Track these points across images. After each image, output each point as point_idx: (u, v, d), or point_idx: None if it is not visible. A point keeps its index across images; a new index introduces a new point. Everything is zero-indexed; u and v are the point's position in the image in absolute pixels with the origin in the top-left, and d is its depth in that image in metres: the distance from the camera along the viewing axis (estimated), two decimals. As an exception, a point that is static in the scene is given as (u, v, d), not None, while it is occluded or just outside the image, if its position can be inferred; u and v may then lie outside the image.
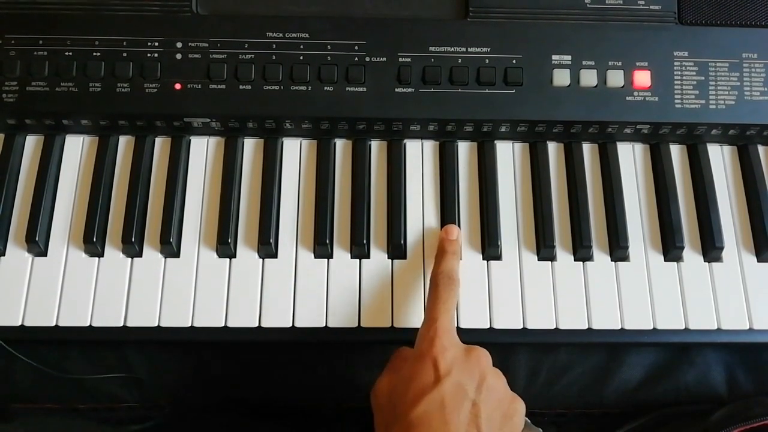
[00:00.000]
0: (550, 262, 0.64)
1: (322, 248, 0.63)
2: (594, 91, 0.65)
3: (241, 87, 0.64)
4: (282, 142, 0.67)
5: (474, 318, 0.61)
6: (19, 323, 0.60)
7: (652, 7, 0.66)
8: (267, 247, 0.63)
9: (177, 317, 0.61)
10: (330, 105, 0.64)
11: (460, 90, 0.64)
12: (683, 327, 0.62)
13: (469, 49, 0.65)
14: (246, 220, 0.64)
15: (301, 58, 0.64)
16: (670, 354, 0.67)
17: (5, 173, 0.64)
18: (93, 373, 0.64)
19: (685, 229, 0.65)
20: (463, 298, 0.62)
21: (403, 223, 0.64)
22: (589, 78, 0.65)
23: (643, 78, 0.65)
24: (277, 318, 0.61)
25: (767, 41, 0.66)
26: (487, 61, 0.65)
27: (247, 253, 0.63)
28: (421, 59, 0.65)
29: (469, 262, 0.63)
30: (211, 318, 0.61)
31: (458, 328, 0.61)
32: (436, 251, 0.62)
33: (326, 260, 0.63)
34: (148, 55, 0.64)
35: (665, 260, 0.64)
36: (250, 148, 0.67)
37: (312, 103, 0.64)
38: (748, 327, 0.62)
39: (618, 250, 0.63)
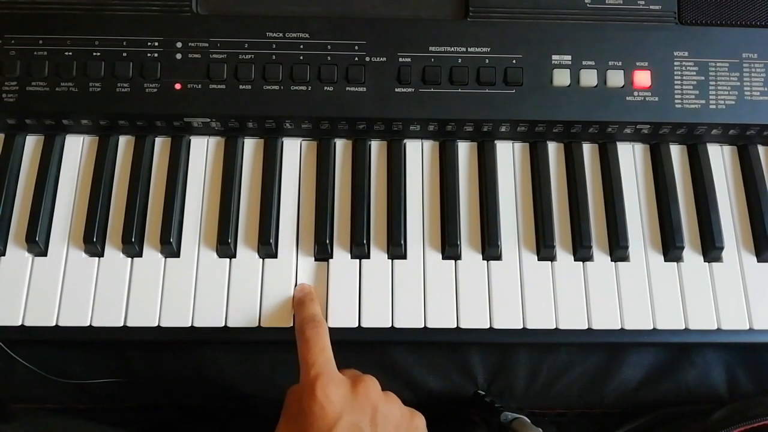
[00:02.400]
0: (550, 262, 0.64)
1: (322, 248, 0.63)
2: (594, 91, 0.65)
3: (241, 87, 0.64)
4: (282, 142, 0.67)
5: (474, 318, 0.61)
6: (19, 323, 0.60)
7: (652, 7, 0.66)
8: (267, 247, 0.63)
9: (177, 317, 0.61)
10: (330, 105, 0.64)
11: (460, 90, 0.64)
12: (683, 327, 0.62)
13: (469, 49, 0.65)
14: (246, 220, 0.64)
15: (301, 58, 0.64)
16: (670, 354, 0.67)
17: (5, 173, 0.64)
18: (93, 372, 0.65)
19: (685, 229, 0.65)
20: (463, 298, 0.62)
21: (403, 223, 0.64)
22: (589, 78, 0.65)
23: (643, 78, 0.65)
24: (277, 318, 0.61)
25: (767, 41, 0.66)
26: (487, 61, 0.65)
27: (247, 253, 0.63)
28: (421, 59, 0.65)
29: (469, 262, 0.63)
30: (211, 318, 0.61)
31: (458, 328, 0.61)
32: (294, 305, 0.61)
33: (326, 260, 0.63)
34: (148, 55, 0.64)
35: (665, 260, 0.64)
36: (250, 148, 0.67)
37: (312, 103, 0.64)
38: (748, 327, 0.62)
39: (618, 250, 0.63)
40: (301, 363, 0.54)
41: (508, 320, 0.61)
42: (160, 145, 0.67)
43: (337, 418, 0.50)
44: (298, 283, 0.62)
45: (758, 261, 0.64)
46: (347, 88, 0.64)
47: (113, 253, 0.63)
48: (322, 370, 0.52)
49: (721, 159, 0.68)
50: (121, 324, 0.60)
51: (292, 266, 0.63)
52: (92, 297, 0.61)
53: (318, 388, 0.51)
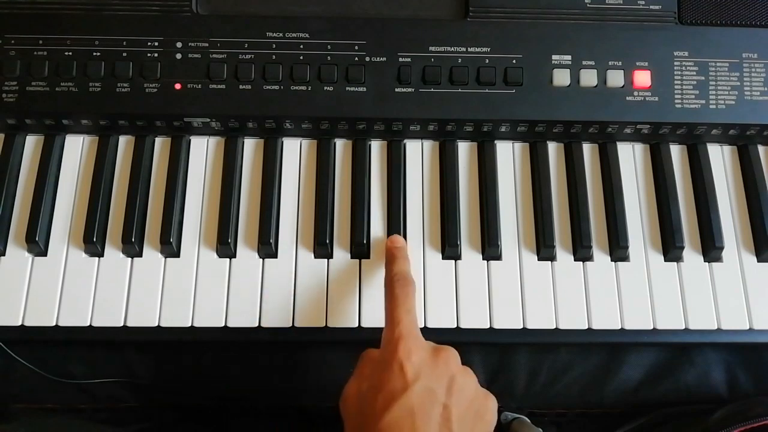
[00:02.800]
0: (550, 262, 0.64)
1: (322, 248, 0.63)
2: (594, 91, 0.65)
3: (241, 87, 0.64)
4: (282, 142, 0.67)
5: (474, 318, 0.61)
6: (19, 323, 0.60)
7: (652, 7, 0.66)
8: (267, 247, 0.63)
9: (177, 317, 0.61)
10: (330, 105, 0.64)
11: (460, 90, 0.64)
12: (683, 327, 0.62)
13: (469, 49, 0.65)
14: (246, 220, 0.64)
15: (301, 58, 0.64)
16: (670, 354, 0.67)
17: (5, 173, 0.64)
18: (93, 372, 0.65)
19: (685, 229, 0.65)
20: (463, 298, 0.62)
21: (403, 223, 0.64)
22: (589, 78, 0.65)
23: (643, 78, 0.65)
24: (277, 318, 0.61)
25: (767, 41, 0.66)
26: (487, 61, 0.65)
27: (247, 253, 0.63)
28: (421, 59, 0.65)
29: (469, 262, 0.63)
30: (211, 318, 0.61)
31: (458, 328, 0.61)
32: (385, 259, 0.61)
33: (326, 260, 0.63)
34: (148, 55, 0.64)
35: (665, 260, 0.64)
36: (250, 148, 0.67)
37: (312, 103, 0.64)
38: (748, 327, 0.62)
39: (618, 250, 0.63)
40: (386, 320, 0.54)
41: (508, 320, 0.61)
42: (160, 145, 0.67)
43: (414, 380, 0.50)
44: (298, 282, 0.62)
45: (758, 261, 0.64)
46: (347, 88, 0.64)
47: (113, 253, 0.63)
48: (407, 331, 0.53)
49: (721, 159, 0.68)
50: (121, 324, 0.60)
51: (292, 266, 0.63)
52: (92, 297, 0.61)
53: (401, 347, 0.51)
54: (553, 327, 0.61)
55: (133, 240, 0.62)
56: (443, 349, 0.53)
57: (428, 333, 0.61)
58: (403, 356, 0.51)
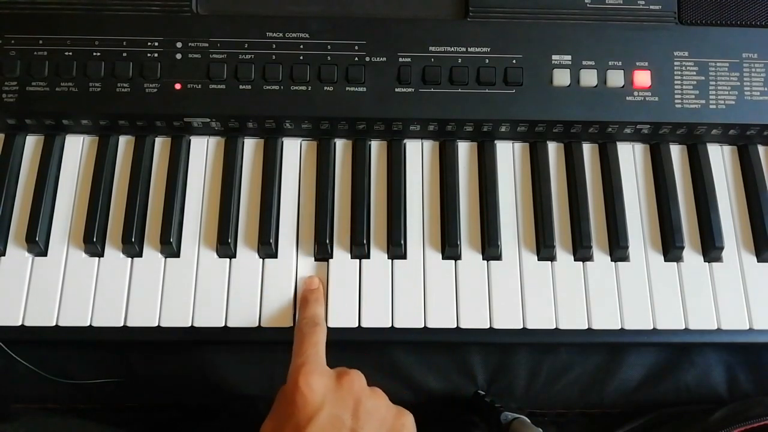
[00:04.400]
0: (550, 262, 0.64)
1: (322, 248, 0.63)
2: (594, 91, 0.65)
3: (241, 87, 0.64)
4: (282, 142, 0.67)
5: (474, 318, 0.61)
6: (19, 323, 0.60)
7: (652, 7, 0.66)
8: (267, 247, 0.63)
9: (177, 317, 0.61)
10: (330, 105, 0.64)
11: (460, 90, 0.64)
12: (683, 327, 0.62)
13: (469, 49, 0.65)
14: (246, 220, 0.64)
15: (301, 58, 0.64)
16: (670, 354, 0.67)
17: (5, 173, 0.64)
18: (93, 372, 0.65)
19: (685, 229, 0.65)
20: (463, 298, 0.62)
21: (403, 223, 0.64)
22: (589, 78, 0.65)
23: (643, 78, 0.65)
24: (277, 318, 0.61)
25: (767, 41, 0.66)
26: (487, 61, 0.65)
27: (247, 253, 0.63)
28: (421, 59, 0.65)
29: (469, 262, 0.63)
30: (211, 318, 0.61)
31: (458, 328, 0.61)
32: (299, 301, 0.61)
33: (326, 260, 0.63)
34: (148, 55, 0.64)
35: (665, 260, 0.64)
36: (250, 148, 0.67)
37: (312, 103, 0.64)
38: (748, 327, 0.62)
39: (618, 250, 0.63)
40: (293, 355, 0.54)
41: (508, 320, 0.61)
42: (160, 145, 0.67)
43: (317, 409, 0.49)
44: (298, 283, 0.62)
45: (758, 261, 0.64)
46: (347, 88, 0.64)
47: (113, 253, 0.63)
48: (309, 360, 0.52)
49: (721, 159, 0.68)
50: (121, 324, 0.60)
51: (292, 266, 0.63)
52: (92, 297, 0.61)
53: (301, 377, 0.50)
54: (553, 327, 0.61)
55: (133, 240, 0.62)
56: (346, 373, 0.52)
57: (428, 333, 0.61)
58: (304, 386, 0.50)
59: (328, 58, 0.65)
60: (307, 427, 0.48)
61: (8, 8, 0.65)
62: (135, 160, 0.66)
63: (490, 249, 0.63)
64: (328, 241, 0.63)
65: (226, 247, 0.62)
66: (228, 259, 0.63)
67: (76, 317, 0.60)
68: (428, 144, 0.68)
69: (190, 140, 0.67)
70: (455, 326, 0.61)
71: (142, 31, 0.64)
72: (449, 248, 0.63)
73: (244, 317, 0.61)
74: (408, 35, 0.65)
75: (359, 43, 0.65)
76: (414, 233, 0.64)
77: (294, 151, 0.67)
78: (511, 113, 0.64)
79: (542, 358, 0.67)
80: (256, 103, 0.64)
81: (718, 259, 0.64)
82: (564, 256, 0.64)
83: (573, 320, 0.61)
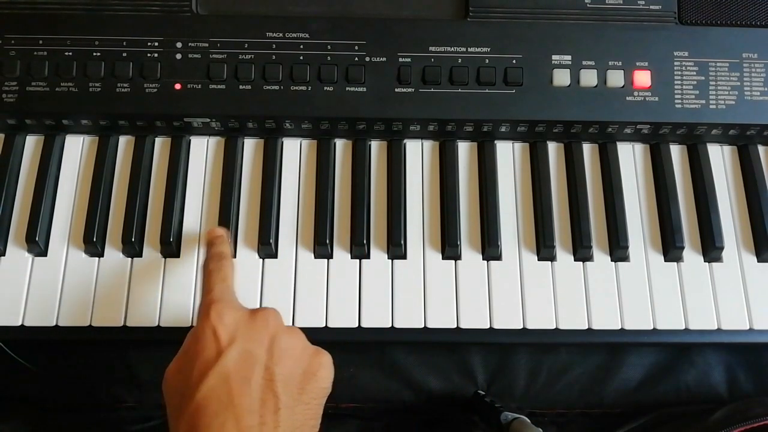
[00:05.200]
0: (550, 262, 0.64)
1: (322, 248, 0.63)
2: (594, 91, 0.65)
3: (241, 87, 0.64)
4: (282, 142, 0.67)
5: (474, 318, 0.61)
6: (19, 323, 0.60)
7: (652, 7, 0.66)
8: (267, 247, 0.63)
9: (177, 317, 0.61)
10: (330, 105, 0.64)
11: (460, 90, 0.64)
12: (683, 327, 0.62)
13: (469, 49, 0.65)
14: (246, 220, 0.64)
15: (301, 58, 0.64)
16: (670, 354, 0.67)
17: (5, 173, 0.64)
18: (93, 372, 0.65)
19: (685, 229, 0.65)
20: (463, 298, 0.62)
21: (403, 223, 0.64)
22: (589, 78, 0.65)
23: (643, 78, 0.65)
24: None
25: (767, 41, 0.66)
26: (487, 61, 0.65)
27: (247, 253, 0.63)
28: (421, 59, 0.65)
29: (469, 262, 0.63)
30: (211, 318, 0.61)
31: (458, 328, 0.61)
32: (206, 245, 0.59)
33: (326, 260, 0.63)
34: (148, 55, 0.64)
35: (665, 260, 0.64)
36: (250, 148, 0.67)
37: (312, 103, 0.64)
38: (748, 327, 0.62)
39: (618, 250, 0.63)
40: (202, 290, 0.52)
41: (508, 320, 0.61)
42: (160, 145, 0.67)
43: (229, 342, 0.47)
44: (298, 283, 0.62)
45: (758, 261, 0.64)
46: (347, 88, 0.64)
47: (113, 253, 0.63)
48: (220, 295, 0.50)
49: (721, 159, 0.68)
50: (121, 324, 0.60)
51: (292, 266, 0.63)
52: (92, 297, 0.61)
53: (213, 312, 0.48)
54: (553, 327, 0.61)
55: (133, 240, 0.62)
56: (261, 310, 0.50)
57: (428, 333, 0.61)
58: (215, 320, 0.47)
59: (328, 58, 0.65)
60: (217, 362, 0.46)
61: (8, 8, 0.65)
62: (135, 160, 0.66)
63: (490, 249, 0.63)
64: (328, 241, 0.63)
65: (226, 247, 0.62)
66: (228, 259, 0.63)
67: (76, 317, 0.60)
68: (428, 144, 0.68)
69: (190, 140, 0.67)
70: (455, 326, 0.61)
71: (142, 31, 0.64)
72: (449, 248, 0.63)
73: (244, 317, 0.61)
74: (408, 35, 0.65)
75: (359, 43, 0.65)
76: (414, 233, 0.64)
77: (294, 151, 0.67)
78: (511, 113, 0.64)
79: (542, 358, 0.67)
80: (256, 103, 0.64)
81: (718, 259, 0.64)
82: (564, 256, 0.64)
83: (573, 320, 0.61)
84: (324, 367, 0.50)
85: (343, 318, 0.61)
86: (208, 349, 0.47)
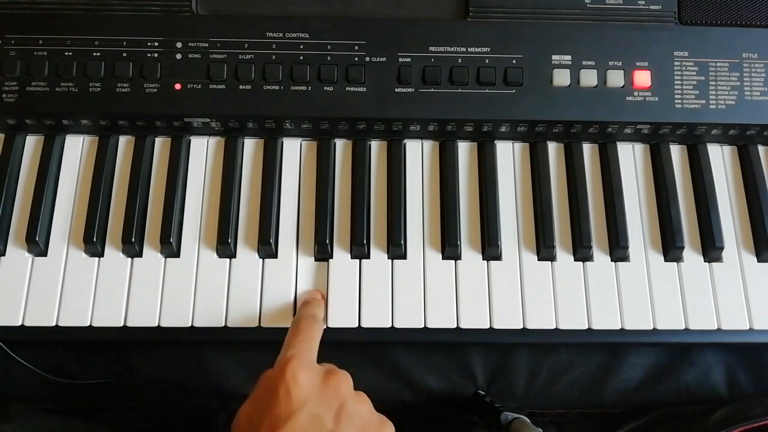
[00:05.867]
0: (550, 262, 0.64)
1: (322, 248, 0.63)
2: (594, 91, 0.65)
3: (241, 87, 0.64)
4: (282, 142, 0.67)
5: (474, 318, 0.61)
6: (19, 323, 0.60)
7: (652, 7, 0.66)
8: (267, 247, 0.63)
9: (177, 317, 0.61)
10: (330, 105, 0.64)
11: (460, 90, 0.64)
12: (683, 327, 0.62)
13: (469, 49, 0.65)
14: (246, 220, 0.64)
15: (301, 58, 0.64)
16: (670, 354, 0.67)
17: (5, 173, 0.64)
18: (93, 372, 0.65)
19: (685, 229, 0.65)
20: (463, 298, 0.62)
21: (403, 223, 0.64)
22: (589, 78, 0.65)
23: (643, 78, 0.65)
24: (278, 318, 0.61)
25: (767, 41, 0.66)
26: (487, 61, 0.65)
27: (247, 253, 0.63)
28: (421, 59, 0.65)
29: (469, 262, 0.63)
30: (211, 318, 0.61)
31: (458, 328, 0.61)
32: (300, 302, 0.60)
33: (326, 260, 0.63)
34: (148, 55, 0.64)
35: (665, 260, 0.64)
36: (250, 148, 0.67)
37: (312, 103, 0.64)
38: (748, 327, 0.62)
39: (618, 250, 0.63)
40: (283, 347, 0.53)
41: (508, 320, 0.61)
42: (160, 145, 0.67)
43: (300, 405, 0.48)
44: (298, 283, 0.62)
45: (758, 261, 0.64)
46: (347, 88, 0.64)
47: (113, 253, 0.63)
48: (299, 353, 0.51)
49: (721, 159, 0.68)
50: (121, 324, 0.60)
51: (292, 266, 0.63)
52: (92, 297, 0.61)
53: (288, 369, 0.49)
54: (553, 327, 0.61)
55: (133, 240, 0.62)
56: (335, 374, 0.51)
57: (428, 333, 0.61)
58: (290, 379, 0.48)
59: (328, 58, 0.65)
60: (287, 422, 0.47)
61: (8, 8, 0.65)
62: (135, 160, 0.66)
63: (490, 249, 0.63)
64: (328, 241, 0.63)
65: (226, 247, 0.62)
66: (228, 259, 0.63)
67: (76, 317, 0.60)
68: (428, 144, 0.68)
69: (190, 140, 0.67)
70: (455, 326, 0.61)
71: (142, 31, 0.64)
72: (449, 248, 0.63)
73: (244, 317, 0.61)
74: (408, 35, 0.65)
75: (359, 43, 0.65)
76: (414, 233, 0.64)
77: (294, 151, 0.67)
78: (511, 113, 0.64)
79: (542, 358, 0.67)
80: (256, 103, 0.64)
81: (718, 259, 0.64)
82: (564, 256, 0.64)
83: (573, 320, 0.61)
84: None
85: (343, 318, 0.61)
86: (280, 407, 0.48)
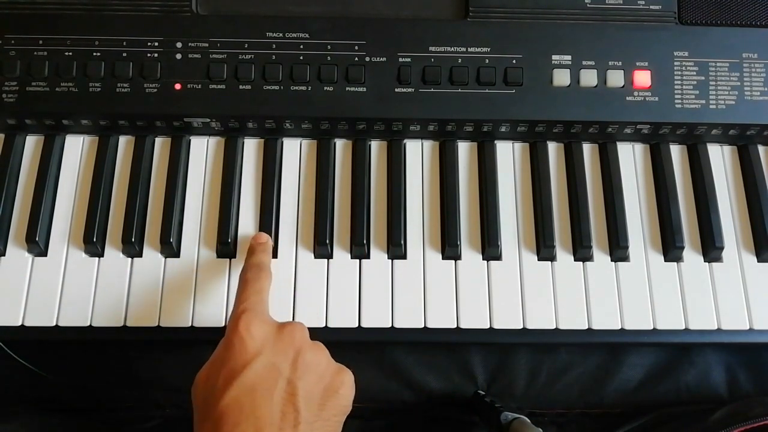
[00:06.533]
0: (550, 262, 0.64)
1: (322, 248, 0.63)
2: (594, 91, 0.65)
3: (241, 87, 0.64)
4: (282, 142, 0.67)
5: (474, 318, 0.61)
6: (19, 323, 0.60)
7: (652, 7, 0.66)
8: (267, 247, 0.63)
9: (177, 317, 0.61)
10: (330, 105, 0.64)
11: (460, 90, 0.64)
12: (683, 327, 0.62)
13: (469, 49, 0.65)
14: (246, 220, 0.64)
15: (301, 58, 0.64)
16: (670, 354, 0.67)
17: (5, 173, 0.64)
18: (92, 372, 0.65)
19: (685, 229, 0.65)
20: (463, 298, 0.62)
21: (403, 223, 0.64)
22: (589, 78, 0.65)
23: (643, 78, 0.65)
24: (277, 318, 0.61)
25: (767, 41, 0.66)
26: (487, 61, 0.65)
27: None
28: (421, 59, 0.65)
29: (469, 262, 0.63)
30: (211, 318, 0.61)
31: (458, 328, 0.61)
32: (247, 254, 0.60)
33: (326, 260, 0.63)
34: (148, 55, 0.64)
35: (665, 260, 0.64)
36: (250, 148, 0.67)
37: (312, 103, 0.64)
38: (748, 327, 0.62)
39: (618, 250, 0.63)
40: (235, 300, 0.53)
41: (508, 320, 0.61)
42: (160, 145, 0.67)
43: (255, 354, 0.48)
44: (298, 282, 0.62)
45: (758, 261, 0.64)
46: (347, 88, 0.64)
47: (113, 253, 0.63)
48: (251, 306, 0.51)
49: (721, 159, 0.68)
50: (121, 324, 0.60)
51: (292, 266, 0.63)
52: (92, 297, 0.61)
53: (242, 322, 0.49)
54: (553, 327, 0.61)
55: (133, 240, 0.62)
56: (289, 324, 0.51)
57: (428, 333, 0.61)
58: (244, 330, 0.49)
59: (328, 58, 0.65)
60: (242, 373, 0.47)
61: (8, 8, 0.65)
62: (135, 160, 0.66)
63: (490, 249, 0.63)
64: (328, 241, 0.63)
65: (225, 247, 0.62)
66: (228, 259, 0.63)
67: (76, 317, 0.60)
68: (428, 144, 0.68)
69: (190, 140, 0.67)
70: (455, 326, 0.61)
71: (142, 31, 0.64)
72: (449, 248, 0.63)
73: (244, 317, 0.61)
74: (408, 35, 0.65)
75: (359, 43, 0.65)
76: (414, 233, 0.64)
77: (294, 151, 0.67)
78: (511, 113, 0.64)
79: (542, 358, 0.67)
80: (256, 103, 0.64)
81: (718, 259, 0.64)
82: (564, 256, 0.64)
83: (573, 320, 0.61)
84: (345, 385, 0.51)
85: (343, 318, 0.61)
86: (234, 359, 0.48)
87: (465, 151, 0.68)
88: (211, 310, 0.61)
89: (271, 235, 0.63)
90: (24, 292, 0.61)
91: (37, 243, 0.62)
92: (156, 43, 0.64)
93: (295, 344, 0.50)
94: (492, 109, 0.64)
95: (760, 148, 0.68)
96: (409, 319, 0.61)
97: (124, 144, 0.67)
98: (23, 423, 0.62)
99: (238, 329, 0.49)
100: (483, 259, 0.64)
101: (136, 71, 0.64)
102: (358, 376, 0.61)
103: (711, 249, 0.64)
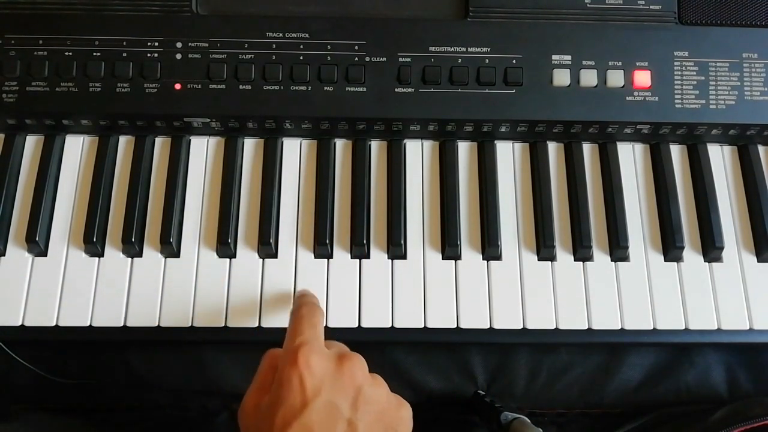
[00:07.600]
0: (550, 262, 0.64)
1: (322, 248, 0.63)
2: (594, 91, 0.65)
3: (241, 87, 0.64)
4: (282, 142, 0.67)
5: (474, 318, 0.61)
6: (19, 323, 0.60)
7: (652, 7, 0.66)
8: (267, 247, 0.63)
9: (177, 317, 0.61)
10: (330, 105, 0.64)
11: (460, 90, 0.64)
12: (683, 327, 0.62)
13: (469, 49, 0.65)
14: (246, 220, 0.64)
15: (301, 58, 0.64)
16: (670, 354, 0.67)
17: (5, 173, 0.64)
18: (92, 372, 0.65)
19: (685, 229, 0.65)
20: (463, 298, 0.62)
21: (403, 223, 0.64)
22: (589, 78, 0.65)
23: (643, 78, 0.65)
24: (278, 318, 0.61)
25: (767, 41, 0.66)
26: (487, 61, 0.65)
27: (247, 253, 0.63)
28: (421, 59, 0.65)
29: (469, 262, 0.63)
30: (210, 318, 0.61)
31: (458, 328, 0.61)
32: (297, 297, 0.59)
33: (326, 260, 0.63)
34: (148, 55, 0.64)
35: (665, 260, 0.64)
36: (250, 148, 0.67)
37: (312, 103, 0.64)
38: (748, 327, 0.62)
39: (618, 250, 0.63)
40: (287, 336, 0.51)
41: (508, 320, 0.61)
42: (160, 145, 0.67)
43: (315, 394, 0.46)
44: (298, 283, 0.62)
45: (758, 261, 0.64)
46: (347, 88, 0.64)
47: (113, 253, 0.63)
48: (308, 340, 0.48)
49: (721, 159, 0.68)
50: (121, 324, 0.60)
51: (292, 266, 0.63)
52: (92, 297, 0.61)
53: (301, 356, 0.47)
54: (553, 327, 0.61)
55: (133, 240, 0.62)
56: (348, 358, 0.49)
57: (428, 333, 0.61)
58: (303, 367, 0.46)
59: (328, 58, 0.65)
60: (302, 413, 0.45)
61: (8, 8, 0.65)
62: (135, 160, 0.66)
63: (490, 249, 0.63)
64: (328, 241, 0.63)
65: (226, 247, 0.62)
66: (228, 259, 0.63)
67: (76, 317, 0.60)
68: (428, 144, 0.68)
69: (190, 140, 0.67)
70: (455, 326, 0.61)
71: (142, 31, 0.64)
72: (449, 248, 0.63)
73: (244, 317, 0.61)
74: (408, 35, 0.65)
75: (359, 43, 0.65)
76: (414, 233, 0.64)
77: (294, 151, 0.67)
78: (511, 113, 0.64)
79: (542, 358, 0.67)
80: (256, 103, 0.64)
81: (718, 259, 0.64)
82: (564, 256, 0.64)
83: (573, 320, 0.61)
84: (404, 421, 0.50)
85: (343, 318, 0.61)
86: (294, 398, 0.46)
87: (465, 151, 0.68)
88: (211, 310, 0.61)
89: (271, 235, 0.63)
90: (24, 292, 0.61)
91: (37, 243, 0.62)
92: (156, 43, 0.64)
93: (355, 382, 0.48)
94: (492, 109, 0.64)
95: (760, 148, 0.68)
96: (409, 319, 0.61)
97: (124, 144, 0.67)
98: (23, 423, 0.62)
99: (298, 364, 0.47)
100: (483, 259, 0.64)
101: (136, 71, 0.64)
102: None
103: (711, 249, 0.64)
